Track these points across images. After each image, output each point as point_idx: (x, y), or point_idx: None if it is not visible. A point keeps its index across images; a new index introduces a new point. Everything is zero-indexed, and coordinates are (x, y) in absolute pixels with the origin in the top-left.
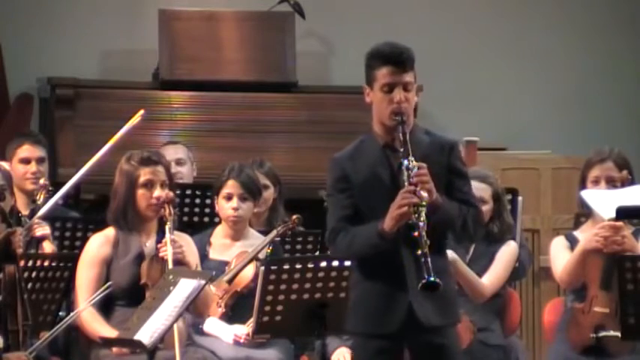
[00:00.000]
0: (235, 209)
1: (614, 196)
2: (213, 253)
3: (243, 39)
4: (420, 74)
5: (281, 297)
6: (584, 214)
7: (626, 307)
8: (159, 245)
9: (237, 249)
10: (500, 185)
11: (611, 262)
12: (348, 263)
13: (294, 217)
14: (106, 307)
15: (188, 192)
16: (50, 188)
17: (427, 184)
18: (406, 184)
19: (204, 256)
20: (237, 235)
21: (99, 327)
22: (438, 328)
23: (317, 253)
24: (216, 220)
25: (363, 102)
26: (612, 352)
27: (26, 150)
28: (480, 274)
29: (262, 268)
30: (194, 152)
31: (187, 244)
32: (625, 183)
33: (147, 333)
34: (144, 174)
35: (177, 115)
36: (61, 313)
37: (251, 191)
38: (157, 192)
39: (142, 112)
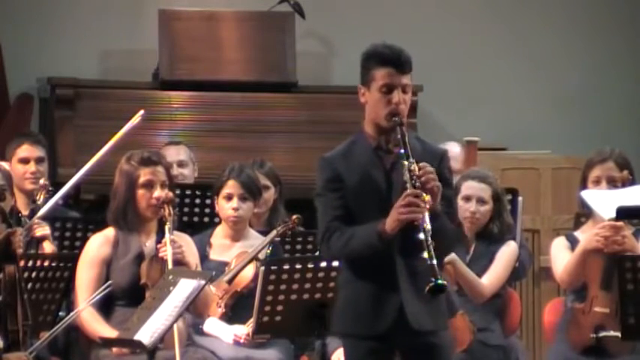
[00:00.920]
0: (235, 209)
1: (614, 196)
2: (213, 254)
3: (243, 39)
4: (421, 74)
5: (281, 297)
6: (585, 214)
7: (627, 307)
8: (158, 245)
9: (237, 249)
10: (500, 185)
11: (611, 262)
12: None
13: (294, 217)
14: (105, 307)
15: (188, 192)
16: (50, 188)
17: (434, 184)
18: (408, 185)
19: (204, 256)
20: (237, 235)
21: (99, 327)
22: (429, 331)
23: (317, 253)
24: (216, 220)
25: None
26: (612, 353)
27: (25, 150)
28: (480, 274)
29: (262, 268)
30: (194, 152)
31: (187, 245)
32: (626, 183)
33: (147, 333)
34: (144, 174)
35: (177, 115)
36: (61, 313)
37: (251, 191)
38: (157, 192)
39: (141, 112)
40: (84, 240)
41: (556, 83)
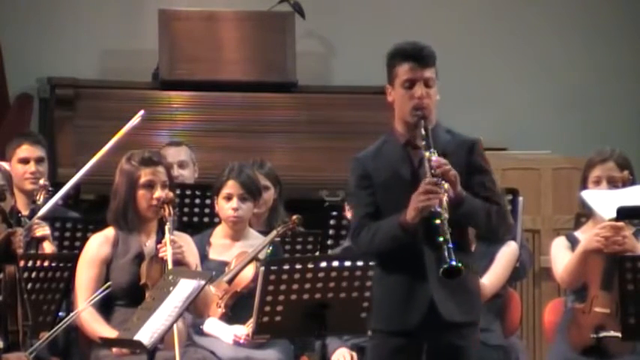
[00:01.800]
0: (235, 209)
1: (614, 197)
2: (213, 254)
3: (243, 39)
4: None
5: (281, 297)
6: (585, 214)
7: (627, 307)
8: (158, 245)
9: (237, 249)
10: (500, 185)
11: (611, 263)
12: (348, 263)
13: (294, 217)
14: (105, 307)
15: (188, 192)
16: (50, 188)
17: (449, 172)
18: (427, 175)
19: (204, 256)
20: (237, 235)
21: (99, 327)
22: (459, 328)
23: (317, 253)
24: (216, 220)
25: (363, 102)
26: (612, 353)
27: (25, 150)
28: (480, 274)
29: (262, 268)
30: (194, 152)
31: (187, 245)
32: (626, 183)
33: (147, 333)
34: (144, 174)
35: (177, 115)
36: (61, 313)
37: (251, 191)
38: (158, 193)
39: (141, 112)
40: (84, 240)
41: (556, 83)
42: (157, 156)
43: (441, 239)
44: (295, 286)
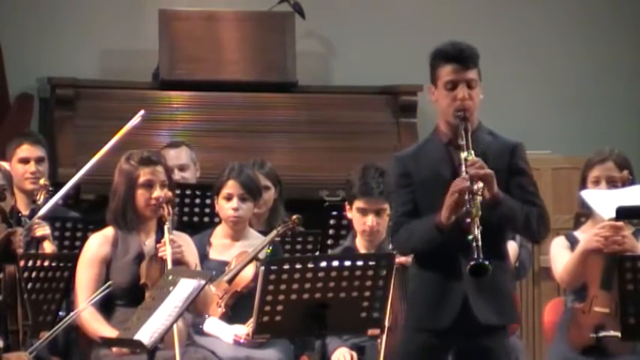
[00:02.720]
0: (235, 209)
1: (614, 196)
2: (213, 254)
3: (243, 39)
4: (420, 74)
5: (281, 297)
6: (585, 214)
7: (627, 307)
8: (158, 245)
9: (237, 249)
10: None
11: (611, 262)
12: (348, 263)
13: (294, 217)
14: (106, 307)
15: (188, 192)
16: (50, 188)
17: (482, 171)
18: (463, 174)
19: (204, 256)
20: (237, 235)
21: (99, 327)
22: (491, 330)
23: (317, 253)
24: (216, 220)
25: (363, 102)
26: (612, 353)
27: (25, 150)
28: None
29: (262, 268)
30: (194, 152)
31: (186, 244)
32: (626, 183)
33: (147, 333)
34: (143, 174)
35: (177, 115)
36: (61, 313)
37: (251, 191)
38: (157, 192)
39: (142, 112)
40: (84, 240)
41: (556, 83)
42: (156, 156)
43: (470, 237)
44: (295, 286)
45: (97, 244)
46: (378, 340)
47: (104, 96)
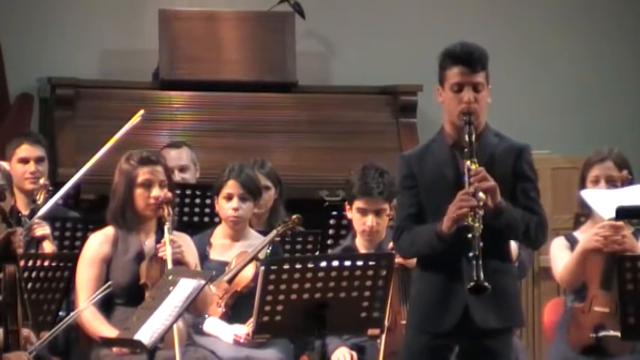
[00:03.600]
0: (235, 209)
1: (614, 196)
2: (214, 254)
3: (243, 39)
4: (421, 74)
5: (281, 297)
6: (584, 214)
7: (626, 306)
8: (158, 245)
9: (237, 249)
10: None
11: (611, 262)
12: (348, 263)
13: (294, 217)
14: (106, 306)
15: (188, 192)
16: (50, 188)
17: (486, 184)
18: (466, 184)
19: (204, 256)
20: (237, 235)
21: (99, 326)
22: (493, 333)
23: (317, 253)
24: (216, 220)
25: (363, 102)
26: (612, 352)
27: (25, 150)
28: None
29: (262, 268)
30: (194, 152)
31: (186, 244)
32: (625, 182)
33: (147, 333)
34: (142, 173)
35: (177, 115)
36: (61, 313)
37: (251, 191)
38: (155, 192)
39: (142, 112)
40: (84, 240)
41: (556, 83)
42: (156, 155)
43: (471, 254)
44: (295, 286)
45: (98, 243)
46: (378, 340)
47: (104, 96)
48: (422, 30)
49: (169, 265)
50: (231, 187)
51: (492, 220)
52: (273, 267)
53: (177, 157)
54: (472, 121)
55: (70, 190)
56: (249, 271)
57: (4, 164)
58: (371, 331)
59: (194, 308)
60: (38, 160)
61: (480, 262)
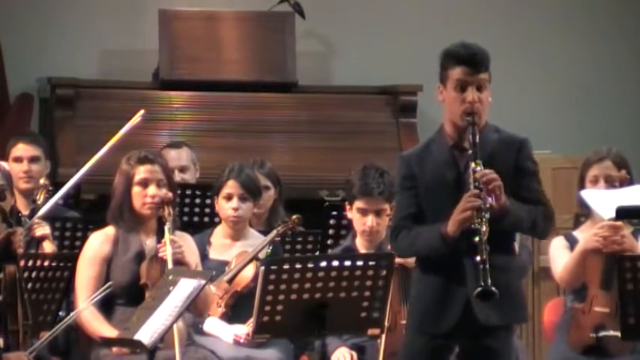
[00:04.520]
0: (235, 209)
1: (613, 196)
2: (213, 253)
3: (243, 39)
4: (421, 74)
5: (281, 297)
6: (584, 214)
7: (626, 307)
8: (158, 245)
9: (237, 249)
10: None
11: (610, 262)
12: (348, 263)
13: (294, 217)
14: (106, 306)
15: (188, 192)
16: (50, 188)
17: (494, 186)
18: (471, 187)
19: (204, 256)
20: (237, 235)
21: (100, 326)
22: (495, 331)
23: (317, 253)
24: (217, 220)
25: (363, 102)
26: (612, 352)
27: (19, 149)
28: None
29: (262, 268)
30: (194, 152)
31: (187, 244)
32: (624, 182)
33: (147, 333)
34: (139, 172)
35: (177, 115)
36: (61, 313)
37: (251, 191)
38: (152, 190)
39: (142, 112)
40: (84, 240)
41: (556, 83)
42: (154, 155)
43: (478, 259)
44: (295, 286)
45: (98, 242)
46: (378, 340)
47: (104, 96)
48: (422, 30)
49: (170, 265)
50: (231, 187)
51: (498, 221)
52: (273, 267)
53: (177, 157)
54: (476, 122)
55: (70, 190)
56: (249, 271)
57: (4, 164)
58: (371, 331)
59: (194, 308)
60: (32, 160)
61: (487, 266)
